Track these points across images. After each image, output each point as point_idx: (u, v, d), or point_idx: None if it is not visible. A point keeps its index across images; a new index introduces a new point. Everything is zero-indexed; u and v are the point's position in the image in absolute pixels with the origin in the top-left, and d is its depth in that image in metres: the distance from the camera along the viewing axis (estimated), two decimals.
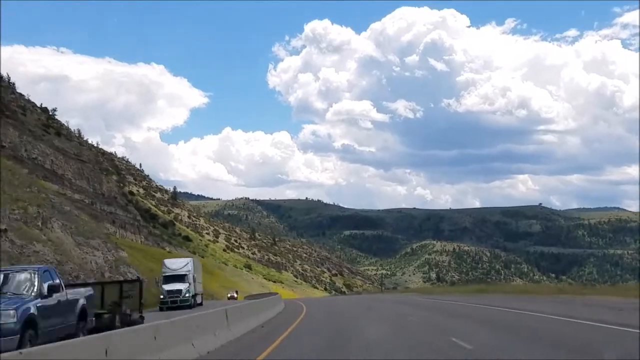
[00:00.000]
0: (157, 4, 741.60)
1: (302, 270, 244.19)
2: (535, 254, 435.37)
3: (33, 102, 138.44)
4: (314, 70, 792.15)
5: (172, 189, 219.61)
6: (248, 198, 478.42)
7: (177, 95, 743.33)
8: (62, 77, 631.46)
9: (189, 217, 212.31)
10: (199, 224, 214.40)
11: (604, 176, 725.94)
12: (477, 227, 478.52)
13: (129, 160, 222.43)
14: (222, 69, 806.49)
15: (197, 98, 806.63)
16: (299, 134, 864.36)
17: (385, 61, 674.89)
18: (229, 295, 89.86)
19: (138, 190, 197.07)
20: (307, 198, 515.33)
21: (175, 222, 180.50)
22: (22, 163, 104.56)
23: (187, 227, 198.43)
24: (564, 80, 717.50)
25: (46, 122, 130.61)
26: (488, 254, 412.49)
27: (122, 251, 74.06)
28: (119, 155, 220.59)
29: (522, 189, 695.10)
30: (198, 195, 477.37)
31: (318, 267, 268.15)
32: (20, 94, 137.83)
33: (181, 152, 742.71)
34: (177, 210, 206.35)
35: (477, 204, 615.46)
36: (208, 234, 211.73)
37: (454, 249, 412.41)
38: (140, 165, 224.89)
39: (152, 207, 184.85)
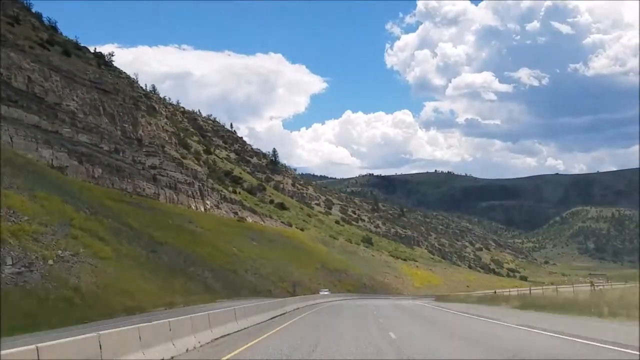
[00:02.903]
0: None
1: (439, 245, 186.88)
2: None
3: (39, 17, 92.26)
4: (431, 46, 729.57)
5: (270, 153, 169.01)
6: (372, 174, 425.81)
7: (297, 83, 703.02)
8: (185, 73, 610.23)
9: (293, 185, 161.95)
10: (307, 193, 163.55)
11: None
12: (634, 189, 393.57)
13: (217, 119, 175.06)
14: (339, 53, 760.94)
15: (316, 84, 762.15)
16: (420, 112, 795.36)
17: (505, 30, 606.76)
18: None
19: (228, 155, 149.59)
20: (436, 170, 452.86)
21: (265, 187, 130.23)
22: None
23: (292, 197, 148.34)
24: None
25: (49, 39, 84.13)
26: None
27: None
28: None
29: None
30: (320, 175, 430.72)
31: (458, 240, 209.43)
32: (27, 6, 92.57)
33: (304, 138, 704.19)
34: (277, 178, 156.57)
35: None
36: (318, 204, 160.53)
37: (612, 214, 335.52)
38: (231, 125, 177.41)
39: (241, 170, 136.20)
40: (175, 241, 51.44)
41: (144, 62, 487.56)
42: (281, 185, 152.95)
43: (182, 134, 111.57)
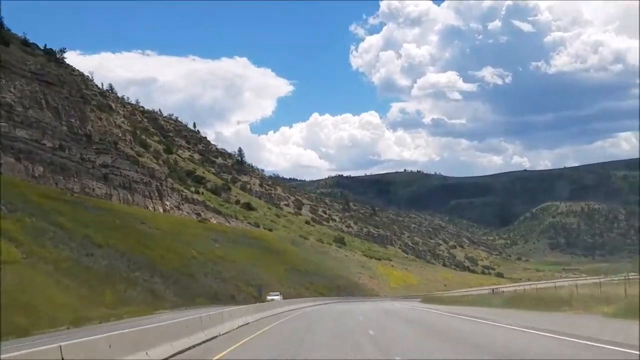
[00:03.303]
0: None
1: (413, 243, 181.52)
2: None
3: None
4: (395, 47, 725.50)
5: (237, 153, 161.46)
6: (342, 175, 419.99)
7: (263, 86, 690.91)
8: (150, 79, 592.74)
9: (261, 185, 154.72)
10: (275, 194, 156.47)
11: None
12: (602, 183, 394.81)
13: (180, 119, 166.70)
14: (304, 56, 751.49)
15: (282, 87, 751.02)
16: (386, 113, 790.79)
17: (467, 29, 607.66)
18: None
19: (192, 155, 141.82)
20: (405, 170, 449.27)
21: (231, 187, 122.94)
22: None
23: (260, 198, 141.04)
24: None
25: None
26: (623, 212, 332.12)
27: None
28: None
29: (625, 147, 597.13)
30: (290, 178, 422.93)
31: (431, 238, 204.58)
32: None
33: (271, 142, 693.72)
34: (244, 178, 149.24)
35: None
36: (287, 205, 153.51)
37: (581, 208, 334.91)
38: (195, 125, 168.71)
39: (205, 170, 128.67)
40: (119, 243, 44.14)
41: (108, 69, 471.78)
42: (248, 186, 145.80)
43: (138, 132, 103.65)
